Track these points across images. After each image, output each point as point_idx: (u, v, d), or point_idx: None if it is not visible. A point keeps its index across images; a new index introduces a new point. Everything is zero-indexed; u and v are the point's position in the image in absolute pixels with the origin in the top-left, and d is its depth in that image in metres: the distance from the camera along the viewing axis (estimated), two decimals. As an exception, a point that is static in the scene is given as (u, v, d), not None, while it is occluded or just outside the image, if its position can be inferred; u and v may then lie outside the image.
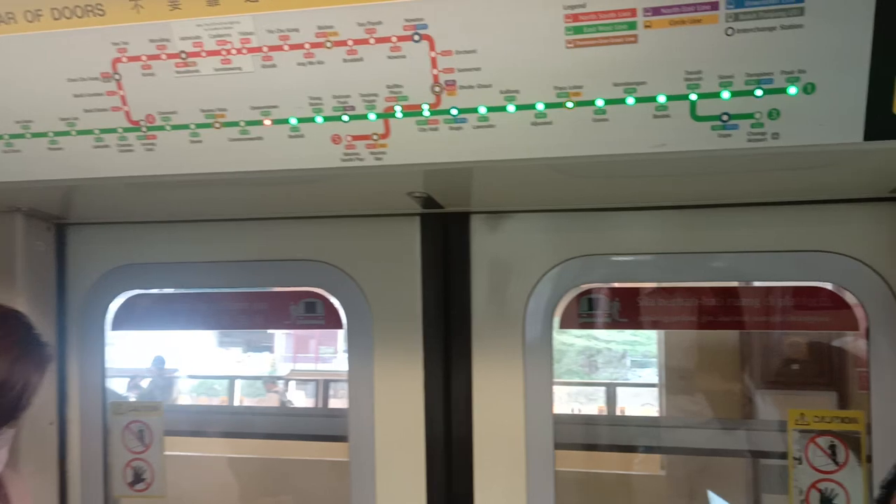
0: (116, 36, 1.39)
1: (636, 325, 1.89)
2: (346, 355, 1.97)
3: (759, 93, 1.24)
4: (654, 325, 1.98)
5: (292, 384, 9.11)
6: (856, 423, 1.75)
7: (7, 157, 1.56)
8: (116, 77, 1.43)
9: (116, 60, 1.41)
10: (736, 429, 2.35)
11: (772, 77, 1.23)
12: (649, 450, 2.84)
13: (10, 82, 1.47)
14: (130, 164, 1.51)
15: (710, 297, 1.86)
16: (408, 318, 1.94)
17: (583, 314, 1.92)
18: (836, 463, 1.76)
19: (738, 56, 1.23)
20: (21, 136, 1.53)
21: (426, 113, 1.37)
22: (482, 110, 1.34)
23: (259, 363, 10.57)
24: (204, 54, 1.38)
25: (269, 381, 9.04)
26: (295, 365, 10.64)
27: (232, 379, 8.58)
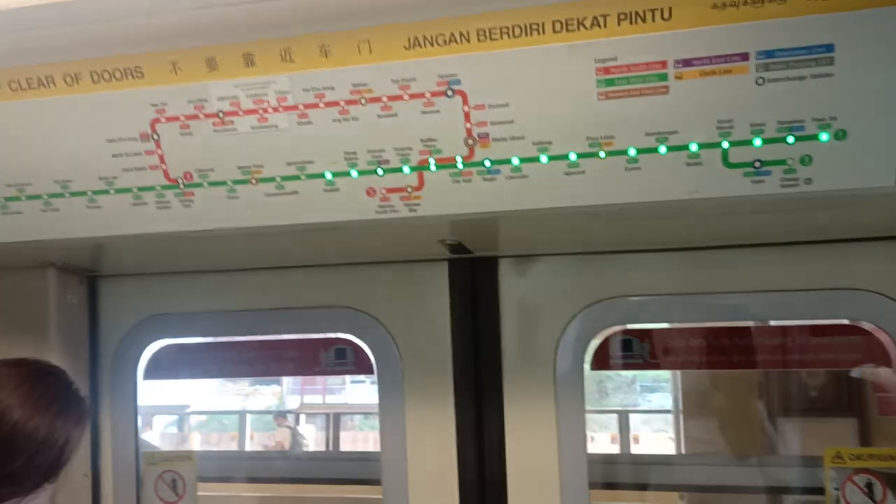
0: (155, 97, 1.42)
1: (668, 365, 1.89)
2: (378, 399, 1.98)
3: (790, 140, 1.26)
4: (685, 366, 1.99)
5: (302, 418, 9.06)
6: (893, 461, 1.74)
7: (46, 215, 1.59)
8: (155, 137, 1.46)
9: (155, 121, 1.44)
10: (763, 465, 2.33)
11: (803, 124, 1.25)
12: (673, 488, 2.82)
13: (50, 143, 1.51)
14: (168, 221, 1.54)
15: (741, 337, 1.86)
16: (438, 362, 1.95)
17: (613, 355, 1.92)
18: (874, 501, 1.75)
19: (768, 104, 1.25)
20: (60, 195, 1.56)
21: (460, 165, 1.39)
22: (515, 161, 1.37)
23: (267, 396, 10.53)
24: (241, 113, 1.41)
25: (280, 416, 9.00)
26: (303, 398, 10.59)
27: (242, 414, 8.53)
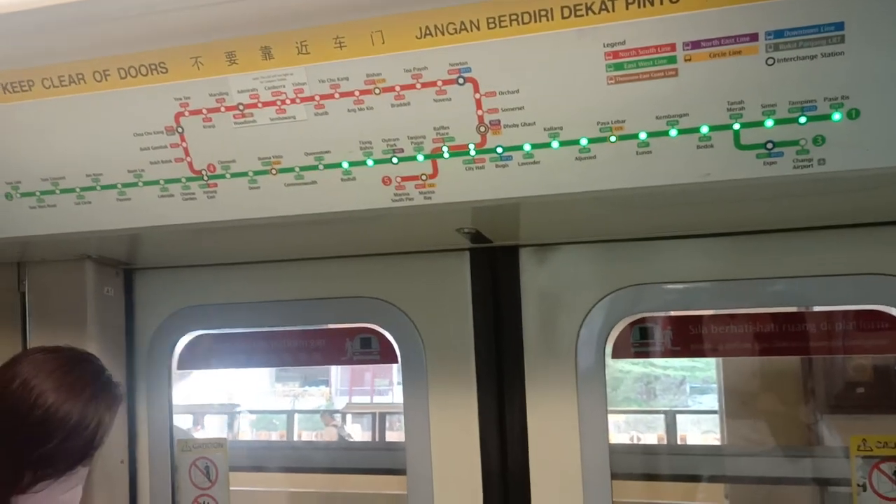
0: (179, 91, 1.47)
1: (689, 353, 1.88)
2: (402, 388, 2.01)
3: (802, 120, 1.25)
4: (706, 353, 1.97)
5: (349, 417, 9.18)
6: (922, 449, 1.71)
7: (79, 208, 1.65)
8: (179, 130, 1.51)
9: (179, 114, 1.49)
10: (801, 456, 2.29)
11: (815, 104, 1.23)
12: (711, 479, 2.78)
13: (81, 139, 1.57)
14: (193, 212, 1.59)
15: (763, 323, 1.84)
16: (460, 351, 1.97)
17: (635, 343, 1.92)
18: (904, 489, 1.72)
19: (780, 85, 1.24)
20: (92, 188, 1.62)
21: (472, 152, 1.41)
22: (527, 147, 1.38)
23: (316, 397, 10.69)
24: (260, 105, 1.45)
25: (327, 415, 9.13)
26: (351, 398, 10.73)
27: (290, 413, 8.68)
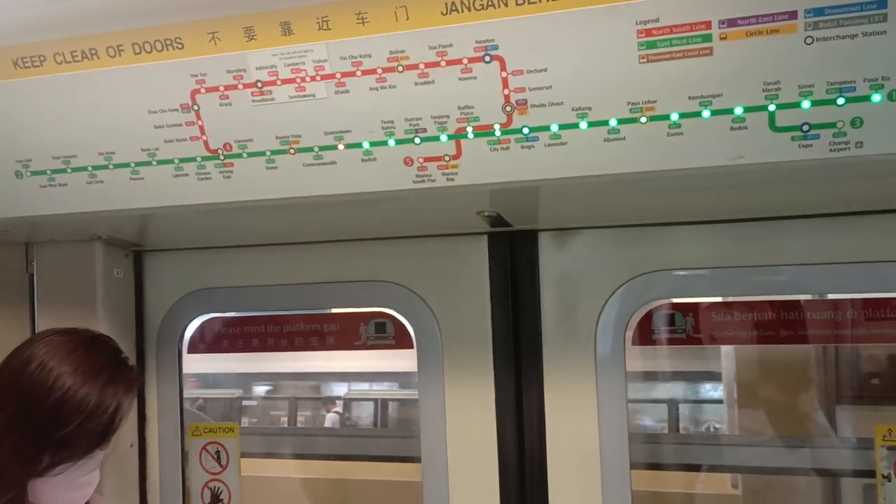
0: (195, 68, 1.43)
1: (711, 340, 1.85)
2: (417, 374, 1.98)
3: (840, 101, 1.22)
4: (729, 341, 1.94)
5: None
6: (948, 439, 1.68)
7: (91, 187, 1.62)
8: (195, 108, 1.47)
9: (195, 91, 1.45)
10: (814, 446, 2.27)
11: (854, 85, 1.20)
12: (719, 468, 2.76)
13: (93, 116, 1.53)
14: (208, 192, 1.55)
15: (787, 310, 1.81)
16: (478, 336, 1.94)
17: (656, 330, 1.89)
18: (928, 480, 1.69)
19: (818, 65, 1.20)
20: (104, 166, 1.58)
21: (498, 133, 1.37)
22: (554, 128, 1.34)
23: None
24: (279, 82, 1.41)
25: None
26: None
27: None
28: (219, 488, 2.16)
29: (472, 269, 1.95)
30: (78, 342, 1.57)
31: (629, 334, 1.87)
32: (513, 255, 1.93)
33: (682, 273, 1.82)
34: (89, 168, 1.59)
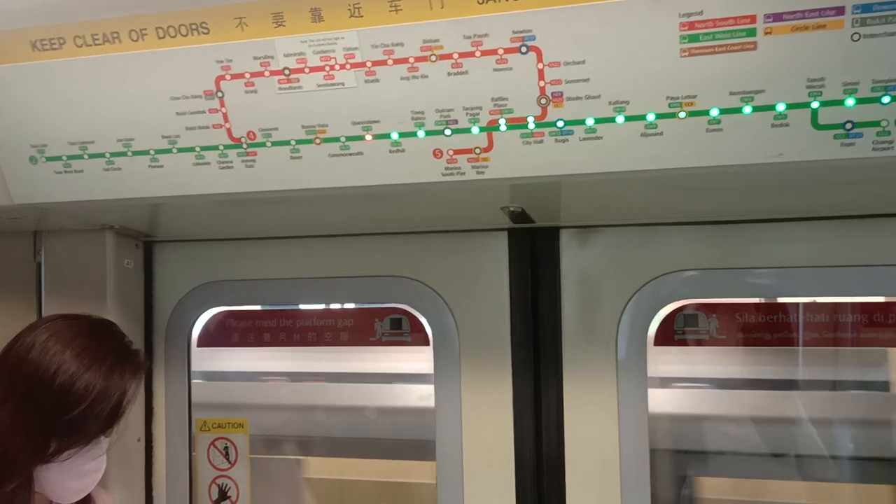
0: (220, 54, 1.39)
1: (735, 342, 1.82)
2: (433, 372, 1.94)
3: (886, 100, 1.19)
4: (753, 343, 1.91)
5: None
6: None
7: (107, 174, 1.58)
8: (219, 95, 1.44)
9: (220, 78, 1.42)
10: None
11: (900, 83, 1.17)
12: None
13: (113, 101, 1.49)
14: (230, 181, 1.52)
15: (813, 312, 1.79)
16: (496, 334, 1.91)
17: (678, 331, 1.86)
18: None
19: (864, 62, 1.18)
20: (122, 153, 1.54)
21: (531, 126, 1.34)
22: (590, 122, 1.31)
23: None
24: (307, 70, 1.37)
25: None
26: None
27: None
28: (227, 485, 2.13)
29: (492, 266, 1.92)
30: (83, 327, 1.56)
31: (651, 334, 1.84)
32: (533, 252, 1.90)
33: (706, 273, 1.80)
34: (107, 155, 1.56)
